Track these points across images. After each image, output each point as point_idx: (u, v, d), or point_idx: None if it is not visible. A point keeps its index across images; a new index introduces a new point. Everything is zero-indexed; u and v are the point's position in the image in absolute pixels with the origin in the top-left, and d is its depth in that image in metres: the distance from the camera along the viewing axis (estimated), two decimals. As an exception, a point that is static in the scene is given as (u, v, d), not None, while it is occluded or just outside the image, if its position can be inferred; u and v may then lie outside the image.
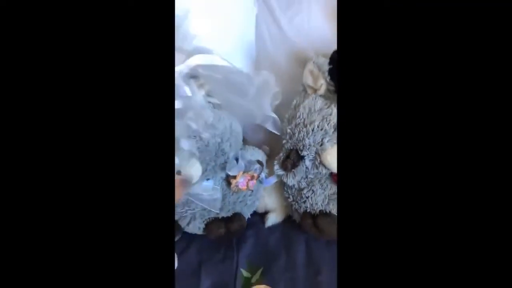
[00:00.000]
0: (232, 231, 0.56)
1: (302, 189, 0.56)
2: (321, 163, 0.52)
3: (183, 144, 0.44)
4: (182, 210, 0.56)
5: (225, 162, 0.52)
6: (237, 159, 0.53)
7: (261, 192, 0.61)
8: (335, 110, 0.50)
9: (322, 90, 0.52)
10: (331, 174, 0.56)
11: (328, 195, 0.55)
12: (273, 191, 0.62)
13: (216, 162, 0.52)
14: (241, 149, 0.55)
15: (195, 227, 0.57)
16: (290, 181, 0.56)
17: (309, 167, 0.54)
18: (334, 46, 0.48)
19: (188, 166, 0.48)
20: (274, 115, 0.54)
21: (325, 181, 0.56)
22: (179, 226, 0.58)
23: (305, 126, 0.51)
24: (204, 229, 0.57)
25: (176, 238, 0.61)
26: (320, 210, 0.56)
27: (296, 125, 0.52)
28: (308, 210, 0.56)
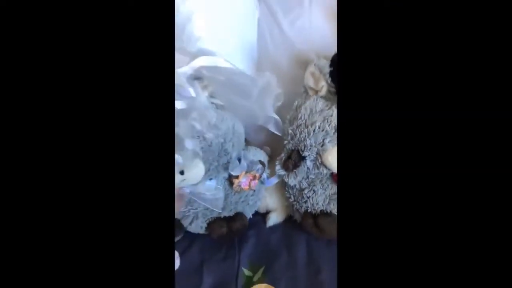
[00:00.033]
0: (234, 230, 0.57)
1: (303, 189, 0.57)
2: (322, 163, 0.53)
3: (187, 143, 0.45)
4: (184, 210, 0.57)
5: (228, 162, 0.53)
6: (239, 159, 0.54)
7: (262, 192, 0.61)
8: (336, 111, 0.51)
9: (323, 92, 0.53)
10: (332, 174, 0.56)
11: (329, 195, 0.56)
12: (274, 191, 0.63)
13: (219, 162, 0.52)
14: (243, 149, 0.56)
15: (198, 227, 0.58)
16: (292, 181, 0.56)
17: (310, 168, 0.55)
18: (335, 49, 0.49)
19: (192, 165, 0.49)
20: (276, 116, 0.54)
21: (326, 181, 0.56)
22: (182, 225, 0.59)
23: (307, 127, 0.52)
24: (206, 228, 0.58)
25: (179, 238, 0.61)
26: (321, 210, 0.56)
27: (297, 126, 0.53)
28: (309, 210, 0.57)
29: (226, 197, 0.57)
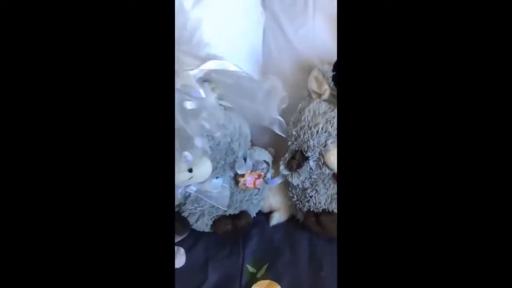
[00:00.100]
0: (238, 228, 0.59)
1: (306, 189, 0.59)
2: (324, 163, 0.55)
3: (197, 142, 0.47)
4: (191, 207, 0.58)
5: (234, 161, 0.55)
6: (245, 159, 0.56)
7: (266, 192, 0.63)
8: (338, 114, 0.54)
9: (326, 95, 0.55)
10: (334, 174, 0.58)
11: (331, 195, 0.58)
12: (277, 191, 0.64)
13: (226, 161, 0.54)
14: (249, 149, 0.58)
15: (203, 224, 0.59)
16: (295, 180, 0.58)
17: (313, 168, 0.57)
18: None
19: (200, 163, 0.51)
20: (281, 118, 0.56)
21: (328, 181, 0.58)
22: (187, 223, 0.61)
23: (310, 128, 0.54)
24: (212, 226, 0.60)
25: (184, 235, 0.63)
26: (323, 209, 0.58)
27: (301, 128, 0.55)
28: (311, 209, 0.59)
29: (231, 195, 0.58)
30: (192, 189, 0.56)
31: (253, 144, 0.61)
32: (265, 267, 0.57)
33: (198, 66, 0.48)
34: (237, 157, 0.55)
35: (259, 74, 0.67)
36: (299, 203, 0.61)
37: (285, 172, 0.59)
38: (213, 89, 0.51)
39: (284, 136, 0.59)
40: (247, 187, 0.57)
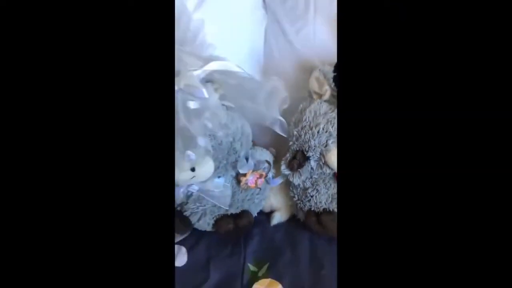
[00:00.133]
0: (240, 227, 0.59)
1: (307, 189, 0.59)
2: (325, 163, 0.56)
3: (200, 141, 0.48)
4: (193, 206, 0.59)
5: (236, 160, 0.56)
6: (247, 158, 0.57)
7: (267, 192, 0.64)
8: (339, 114, 0.54)
9: (326, 96, 0.56)
10: (335, 174, 0.59)
11: (332, 194, 0.58)
12: (278, 191, 0.65)
13: (228, 160, 0.55)
14: (250, 149, 0.59)
15: (205, 223, 0.60)
16: (296, 180, 0.59)
17: (314, 168, 0.57)
18: (337, 56, 0.53)
19: (203, 163, 0.51)
20: (282, 118, 0.57)
21: (328, 181, 0.59)
22: (189, 222, 0.61)
23: (311, 128, 0.55)
24: (213, 225, 0.60)
25: (186, 235, 0.64)
26: (324, 209, 0.59)
27: (302, 128, 0.56)
28: (312, 209, 0.59)
29: (233, 195, 0.59)
30: (194, 188, 0.57)
31: (254, 144, 0.62)
32: (266, 266, 0.57)
33: (201, 66, 0.49)
34: (239, 156, 0.55)
35: (261, 75, 0.68)
36: (300, 203, 0.61)
37: (286, 172, 0.59)
38: (216, 90, 0.51)
39: (285, 136, 0.59)
40: (249, 186, 0.58)
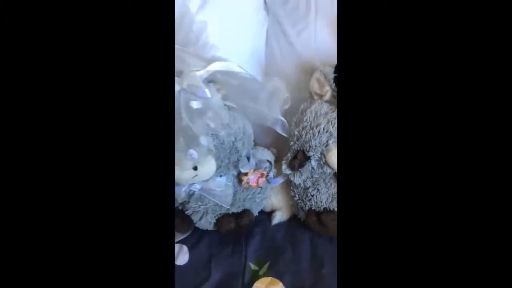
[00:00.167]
0: (241, 226, 0.60)
1: (308, 188, 0.60)
2: (326, 163, 0.56)
3: (202, 140, 0.49)
4: (195, 205, 0.59)
5: (238, 160, 0.56)
6: (248, 158, 0.57)
7: (268, 192, 0.64)
8: (339, 115, 0.55)
9: (327, 96, 0.57)
10: (335, 173, 0.59)
11: (332, 194, 0.59)
12: (279, 191, 0.66)
13: (230, 160, 0.55)
14: (252, 148, 0.59)
15: (207, 222, 0.60)
16: (297, 179, 0.59)
17: (315, 167, 0.58)
18: (338, 58, 0.53)
19: (205, 162, 0.52)
20: (283, 119, 0.58)
21: (329, 180, 0.60)
22: (191, 221, 0.62)
23: (312, 128, 0.55)
24: (215, 224, 0.61)
25: (188, 233, 0.64)
26: (324, 208, 0.59)
27: (303, 128, 0.56)
28: (313, 208, 0.60)
29: (234, 194, 0.60)
30: (196, 187, 0.58)
31: (256, 144, 0.62)
32: (267, 265, 0.58)
33: (204, 67, 0.50)
34: (240, 156, 0.56)
35: (262, 76, 0.69)
36: (300, 202, 0.62)
37: (288, 171, 0.60)
38: (218, 90, 0.52)
39: (286, 136, 0.60)
40: (250, 185, 0.58)
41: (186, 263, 0.59)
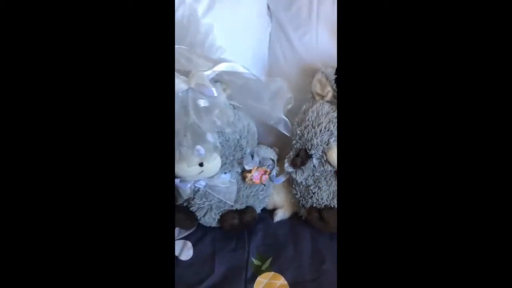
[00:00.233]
0: (244, 222, 0.61)
1: (309, 186, 0.62)
2: (327, 161, 0.58)
3: (209, 137, 0.51)
4: (200, 202, 0.61)
5: (242, 157, 0.58)
6: (252, 156, 0.59)
7: (271, 189, 0.66)
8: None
9: (328, 97, 0.59)
10: (336, 171, 0.61)
11: (333, 191, 0.61)
12: (281, 189, 0.67)
13: (234, 157, 0.57)
14: (256, 147, 0.61)
15: (211, 218, 0.62)
16: (299, 177, 0.61)
17: (316, 165, 0.60)
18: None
19: (211, 158, 0.54)
20: (286, 118, 0.60)
21: (330, 178, 0.61)
22: (195, 217, 0.63)
23: (313, 127, 0.57)
24: (219, 220, 0.62)
25: (192, 230, 0.66)
26: (325, 205, 0.61)
27: (305, 127, 0.58)
28: (314, 205, 0.62)
29: (238, 191, 0.61)
30: (201, 183, 0.59)
31: (259, 143, 0.64)
32: (269, 260, 0.59)
33: (210, 67, 0.52)
34: (244, 153, 0.58)
35: (265, 78, 0.71)
36: (302, 200, 0.64)
37: (290, 169, 0.62)
38: (224, 90, 0.54)
39: (288, 135, 0.62)
40: (254, 182, 0.60)
41: (190, 259, 0.61)
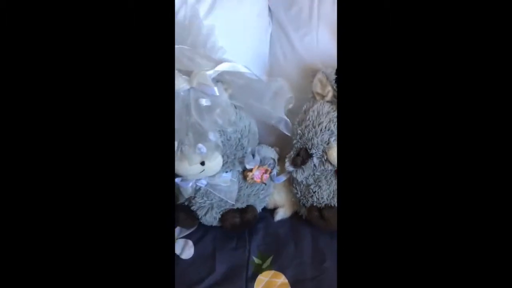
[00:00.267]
0: (245, 221, 0.62)
1: (310, 185, 0.62)
2: (327, 160, 0.59)
3: (211, 136, 0.51)
4: (201, 201, 0.61)
5: (243, 156, 0.59)
6: (253, 155, 0.60)
7: (271, 188, 0.66)
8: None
9: (329, 97, 0.59)
10: (336, 170, 0.62)
11: (333, 190, 0.61)
12: (282, 189, 0.68)
13: (236, 156, 0.58)
14: (257, 146, 0.62)
15: (212, 217, 0.62)
16: (300, 176, 0.62)
17: (317, 164, 0.60)
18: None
19: (213, 157, 0.54)
20: (286, 118, 0.60)
21: (330, 177, 0.62)
22: (196, 216, 0.64)
23: (314, 127, 0.58)
24: (220, 219, 0.62)
25: (193, 229, 0.66)
26: (325, 204, 0.61)
27: (305, 127, 0.59)
28: (314, 204, 0.62)
29: (239, 190, 0.62)
30: (203, 182, 0.60)
31: (260, 143, 0.65)
32: (270, 259, 0.59)
33: (212, 67, 0.52)
34: (246, 152, 0.59)
35: (266, 78, 0.71)
36: (303, 199, 0.64)
37: (290, 168, 0.62)
38: (225, 89, 0.55)
39: (289, 135, 0.62)
40: (255, 181, 0.60)
41: (191, 257, 0.61)
